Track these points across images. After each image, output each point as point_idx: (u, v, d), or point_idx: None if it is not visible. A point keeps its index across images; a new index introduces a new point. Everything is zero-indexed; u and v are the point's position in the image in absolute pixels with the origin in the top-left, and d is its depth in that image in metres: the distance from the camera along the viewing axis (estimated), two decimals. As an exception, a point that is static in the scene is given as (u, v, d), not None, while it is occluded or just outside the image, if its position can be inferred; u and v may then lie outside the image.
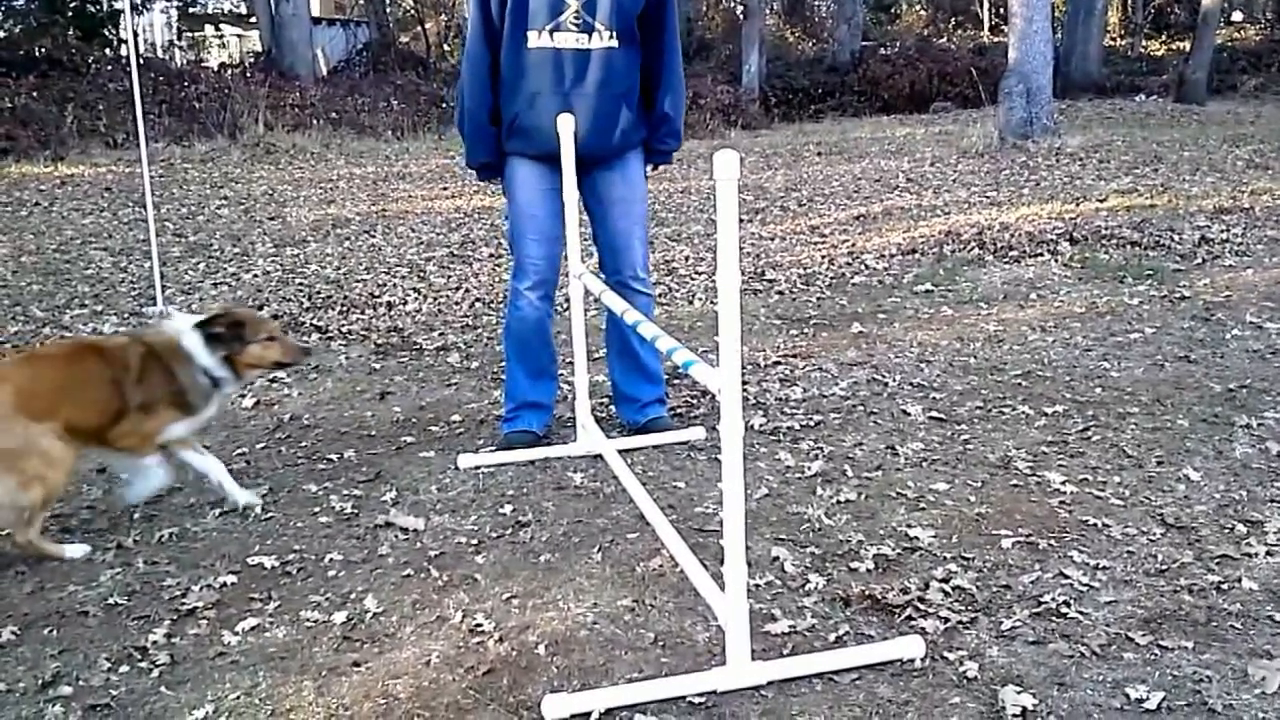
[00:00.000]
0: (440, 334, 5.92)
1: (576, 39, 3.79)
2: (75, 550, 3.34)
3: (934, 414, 4.25)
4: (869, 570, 2.99)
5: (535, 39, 3.79)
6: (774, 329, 5.72)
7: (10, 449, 3.18)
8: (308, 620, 2.86)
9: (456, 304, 6.66)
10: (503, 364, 4.38)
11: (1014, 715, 2.30)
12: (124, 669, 2.66)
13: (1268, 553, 2.99)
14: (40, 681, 2.60)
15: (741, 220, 9.38)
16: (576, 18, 3.77)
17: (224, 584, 3.07)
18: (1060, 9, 23.32)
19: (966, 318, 5.77)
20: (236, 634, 2.79)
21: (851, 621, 2.73)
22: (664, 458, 3.96)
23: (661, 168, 4.23)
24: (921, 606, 2.77)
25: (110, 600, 3.00)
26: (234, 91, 18.27)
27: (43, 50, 19.26)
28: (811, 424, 4.21)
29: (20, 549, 3.27)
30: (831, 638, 2.65)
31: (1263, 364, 4.70)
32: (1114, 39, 27.67)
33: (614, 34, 3.81)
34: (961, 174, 11.65)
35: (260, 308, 6.59)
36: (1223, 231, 7.54)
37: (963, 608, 2.76)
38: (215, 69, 22.96)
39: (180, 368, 3.49)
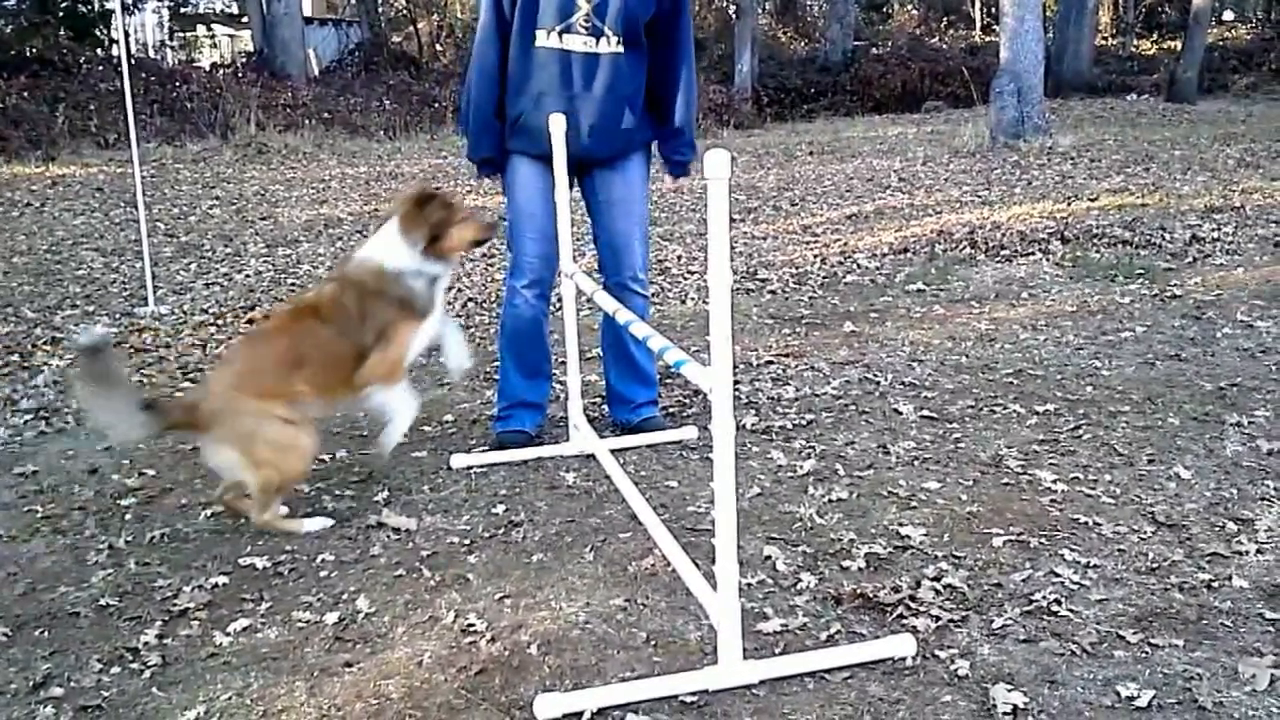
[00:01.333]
0: (432, 334, 5.91)
1: (584, 42, 3.79)
2: (314, 524, 3.41)
3: (926, 413, 4.26)
4: (860, 569, 3.00)
5: (544, 38, 3.79)
6: (766, 328, 5.73)
7: (241, 434, 3.27)
8: (299, 621, 2.85)
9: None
10: (495, 364, 4.38)
11: (1005, 713, 2.30)
12: (115, 670, 2.65)
13: (1258, 551, 3.00)
14: (31, 683, 2.60)
15: (734, 220, 9.38)
16: (586, 20, 3.77)
17: (216, 585, 3.07)
18: (1052, 8, 23.35)
19: (958, 317, 5.78)
20: (228, 635, 2.79)
21: (843, 620, 2.73)
22: (656, 457, 3.96)
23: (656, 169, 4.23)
24: (913, 605, 2.77)
25: (102, 601, 3.00)
26: (226, 91, 18.25)
27: (34, 50, 19.24)
28: (804, 423, 4.21)
29: (261, 527, 3.38)
30: (823, 636, 2.66)
31: (1253, 362, 4.72)
32: (1105, 38, 27.72)
33: (621, 40, 3.82)
34: (953, 173, 11.66)
35: (252, 307, 6.58)
36: (1214, 230, 7.56)
37: (954, 606, 2.77)
38: (207, 69, 22.95)
39: (395, 287, 3.49)
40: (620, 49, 3.83)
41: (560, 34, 3.78)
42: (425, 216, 3.51)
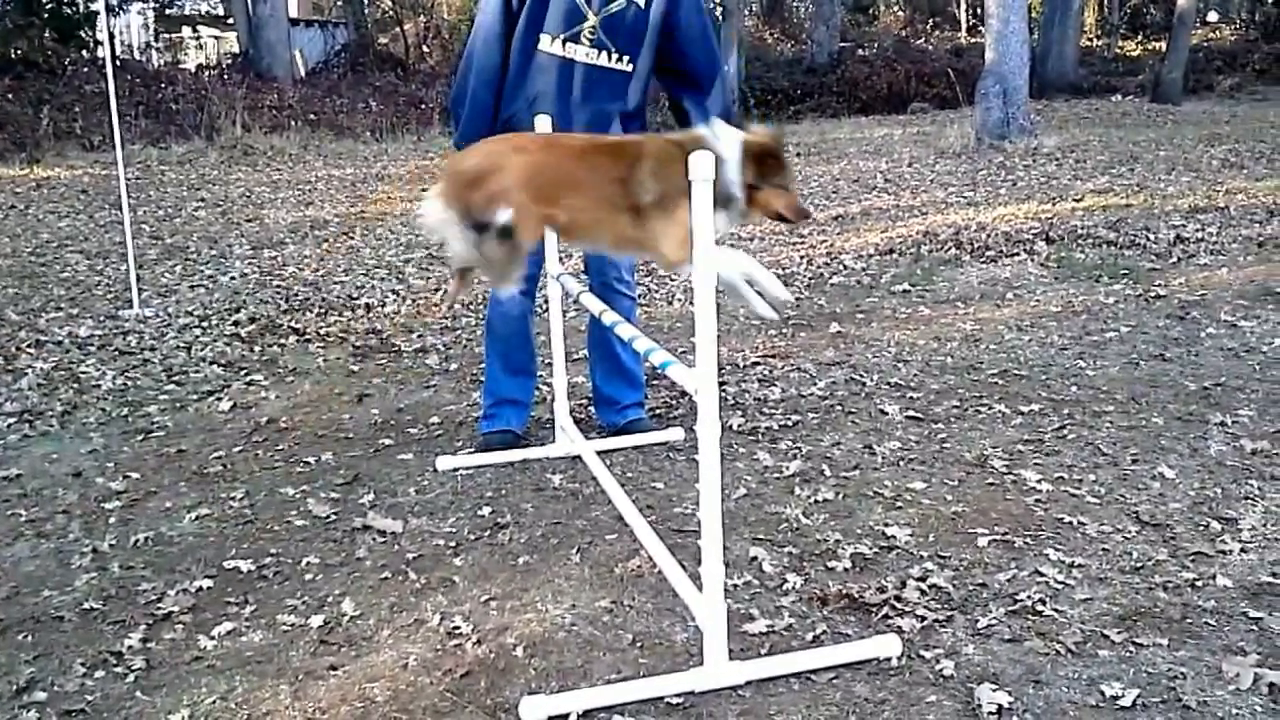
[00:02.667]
0: (419, 336, 5.91)
1: (587, 54, 3.80)
2: None
3: (911, 413, 4.27)
4: (846, 569, 3.00)
5: (548, 44, 3.79)
6: (752, 329, 5.73)
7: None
8: (284, 624, 2.85)
9: (435, 306, 6.64)
10: (482, 366, 4.37)
11: (990, 713, 2.31)
12: (99, 674, 2.64)
13: (1242, 550, 3.01)
14: (15, 687, 2.59)
15: (720, 221, 9.36)
16: (593, 33, 3.77)
17: (200, 588, 3.06)
18: (1037, 10, 23.41)
19: (943, 317, 5.79)
20: (213, 638, 2.78)
21: (829, 621, 2.74)
22: (643, 459, 3.96)
23: None
24: (898, 605, 2.78)
25: (85, 605, 2.98)
26: (211, 93, 18.20)
27: (18, 52, 19.17)
28: (790, 424, 4.22)
29: None
30: (809, 637, 2.66)
31: (1237, 362, 4.74)
32: (1090, 39, 27.80)
33: (626, 59, 3.82)
34: (939, 174, 11.69)
35: (237, 310, 6.56)
36: (1198, 231, 7.59)
37: (939, 606, 2.78)
38: (192, 70, 22.88)
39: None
40: (625, 67, 3.83)
41: (565, 42, 3.78)
42: (762, 158, 3.21)
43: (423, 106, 19.78)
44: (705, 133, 3.24)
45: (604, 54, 3.81)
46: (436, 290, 7.05)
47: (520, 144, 3.31)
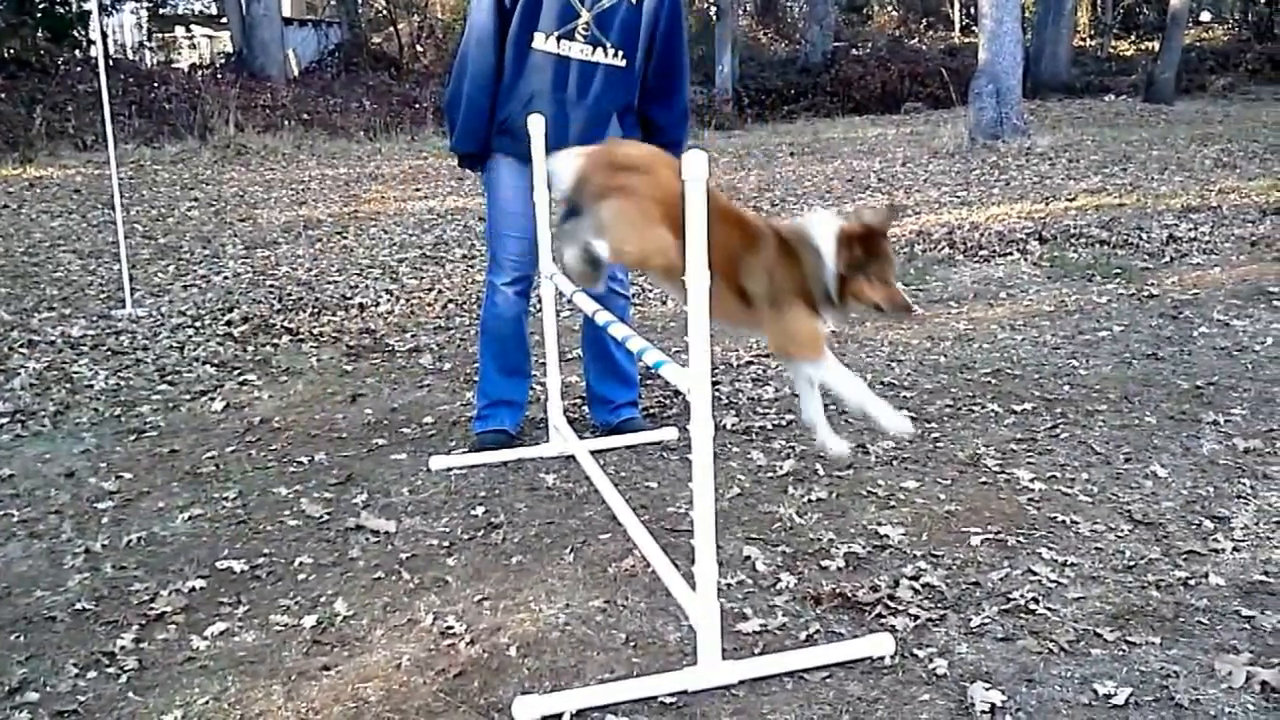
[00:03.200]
0: (412, 336, 5.91)
1: (583, 50, 3.79)
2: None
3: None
4: (839, 568, 3.00)
5: (541, 42, 3.79)
6: (746, 329, 5.72)
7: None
8: (277, 624, 2.84)
9: (429, 305, 6.63)
10: (475, 365, 4.37)
11: (983, 712, 2.31)
12: (92, 675, 2.64)
13: (1234, 548, 3.02)
14: (7, 688, 2.58)
15: (714, 220, 9.36)
16: (586, 29, 3.77)
17: (193, 588, 3.05)
18: (1030, 10, 23.45)
19: (937, 317, 5.80)
20: (205, 639, 2.77)
21: (822, 620, 2.74)
22: (636, 458, 3.96)
23: None
24: (891, 604, 2.78)
25: (78, 605, 2.98)
26: (204, 92, 18.16)
27: (11, 51, 19.11)
28: (783, 423, 4.22)
29: None
30: (802, 636, 2.66)
31: (1229, 361, 4.74)
32: (1083, 39, 27.84)
33: (621, 53, 3.82)
34: (932, 174, 11.70)
35: (230, 309, 6.56)
36: (1190, 230, 7.61)
37: (932, 605, 2.78)
38: (186, 70, 22.84)
39: (809, 256, 3.15)
40: (620, 62, 3.83)
41: (559, 39, 3.78)
42: (857, 246, 3.10)
43: (416, 106, 19.76)
44: (809, 221, 3.20)
45: (599, 50, 3.81)
46: (430, 290, 7.04)
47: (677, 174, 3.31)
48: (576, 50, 3.80)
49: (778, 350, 3.27)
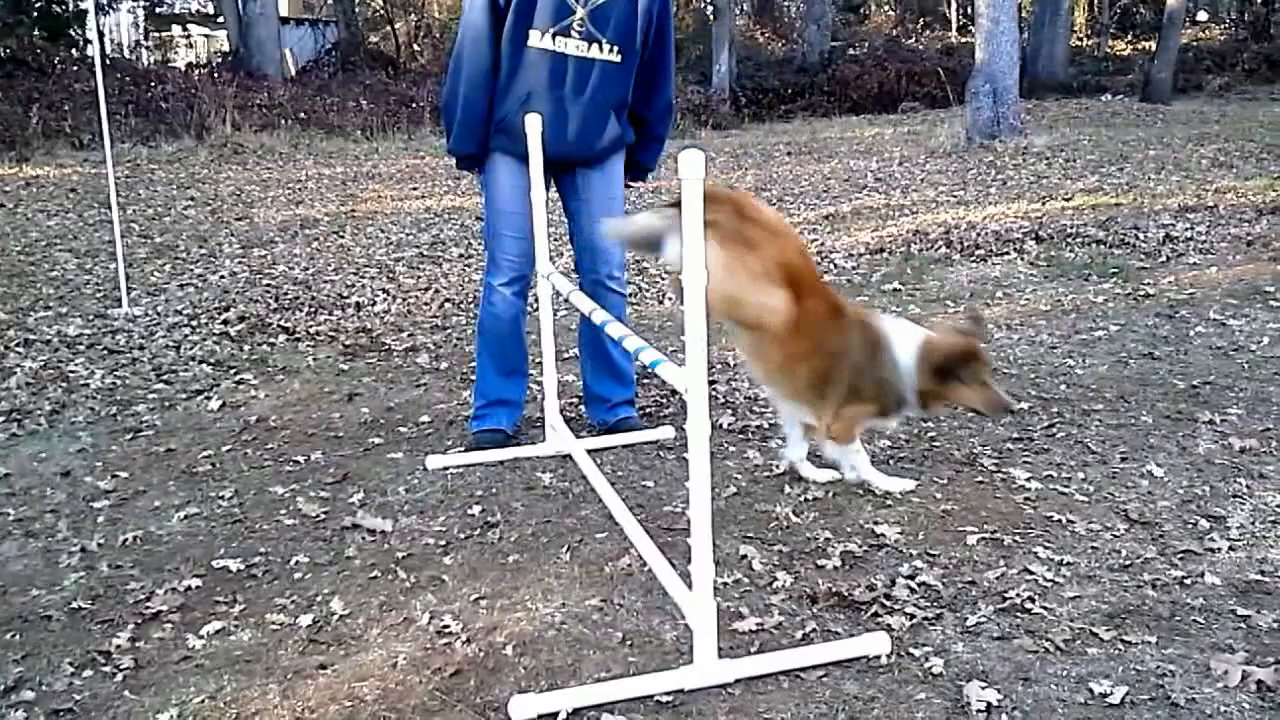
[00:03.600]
0: (409, 335, 5.90)
1: (579, 46, 3.79)
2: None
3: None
4: (836, 567, 3.00)
5: (537, 39, 3.78)
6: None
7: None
8: (273, 623, 2.84)
9: (426, 305, 6.63)
10: (472, 364, 4.37)
11: (979, 711, 2.31)
12: (87, 673, 2.63)
13: (1230, 548, 3.02)
14: (2, 686, 2.58)
15: (711, 220, 9.36)
16: (581, 25, 3.77)
17: (189, 587, 3.05)
18: (1027, 9, 23.48)
19: (934, 316, 5.80)
20: (201, 637, 2.77)
21: (818, 619, 2.74)
22: (633, 457, 3.96)
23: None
24: (887, 603, 2.78)
25: (73, 604, 2.97)
26: (201, 91, 18.16)
27: (8, 50, 19.08)
28: (779, 422, 4.21)
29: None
30: (798, 635, 2.66)
31: (1226, 361, 4.75)
32: (1080, 39, 27.88)
33: (617, 49, 3.82)
34: (929, 173, 11.71)
35: (227, 308, 6.55)
36: (1187, 230, 7.61)
37: (928, 604, 2.78)
38: (182, 69, 22.83)
39: (885, 368, 3.32)
40: (615, 57, 3.83)
41: (555, 36, 3.77)
42: (950, 363, 3.26)
43: (413, 105, 19.74)
44: (890, 329, 3.34)
45: (594, 46, 3.80)
46: (427, 290, 7.04)
47: (799, 248, 3.41)
48: (573, 47, 3.79)
49: (820, 436, 3.47)
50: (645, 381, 4.67)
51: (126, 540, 3.39)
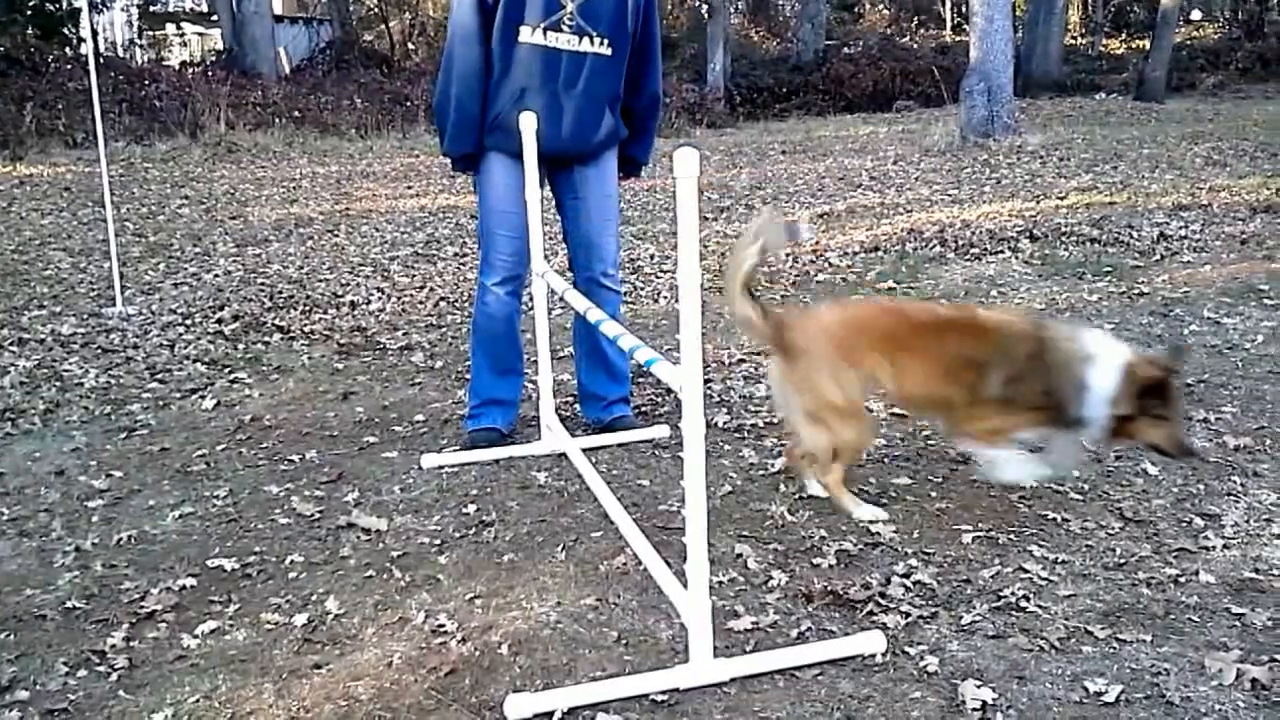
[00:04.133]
0: (404, 333, 5.90)
1: (569, 40, 3.78)
2: (868, 512, 3.31)
3: (896, 410, 4.27)
4: (831, 566, 3.00)
5: (527, 35, 3.77)
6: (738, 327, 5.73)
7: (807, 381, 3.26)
8: (268, 623, 2.84)
9: (421, 303, 6.63)
10: (467, 363, 4.36)
11: (974, 709, 2.32)
12: (82, 673, 2.63)
13: (1225, 546, 3.02)
14: (-4, 687, 2.58)
15: (707, 219, 9.39)
16: (571, 19, 3.76)
17: (183, 587, 3.04)
18: (1021, 8, 23.48)
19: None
20: (196, 637, 2.77)
21: (813, 617, 2.74)
22: (628, 456, 3.96)
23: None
24: (883, 602, 2.78)
25: (68, 604, 2.97)
26: (195, 90, 18.13)
27: (1, 49, 19.03)
28: (775, 421, 4.21)
29: (826, 490, 3.38)
30: (794, 634, 2.66)
31: (1220, 359, 4.75)
32: (1074, 38, 27.91)
33: (607, 42, 3.81)
34: (924, 172, 11.71)
35: (221, 307, 6.54)
36: (1181, 228, 7.62)
37: (923, 603, 2.78)
38: (176, 67, 22.79)
39: (1070, 385, 3.15)
40: (606, 50, 3.82)
41: (545, 31, 3.76)
42: (1147, 392, 3.08)
43: (408, 103, 19.72)
44: (1081, 344, 3.18)
45: (585, 39, 3.79)
46: (422, 288, 7.04)
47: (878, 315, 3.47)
48: (564, 41, 3.78)
49: (966, 437, 3.42)
50: (640, 380, 4.67)
51: (121, 539, 3.39)
